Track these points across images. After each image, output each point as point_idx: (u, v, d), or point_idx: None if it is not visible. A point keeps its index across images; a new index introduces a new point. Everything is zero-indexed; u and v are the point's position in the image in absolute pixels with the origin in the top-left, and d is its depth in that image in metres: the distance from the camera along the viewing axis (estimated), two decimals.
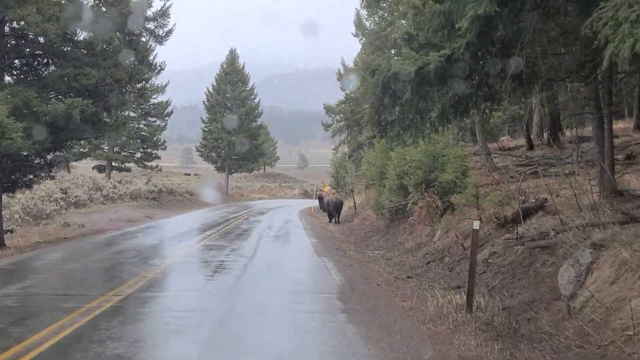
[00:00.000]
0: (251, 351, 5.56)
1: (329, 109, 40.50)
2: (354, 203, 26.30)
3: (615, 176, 9.14)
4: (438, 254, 11.49)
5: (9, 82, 14.86)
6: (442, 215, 13.27)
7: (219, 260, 11.91)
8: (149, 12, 15.73)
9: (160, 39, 16.08)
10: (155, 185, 34.56)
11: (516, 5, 6.29)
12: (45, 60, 15.58)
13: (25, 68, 15.94)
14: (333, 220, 24.04)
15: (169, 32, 16.10)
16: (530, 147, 18.64)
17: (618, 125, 19.18)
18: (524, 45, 6.53)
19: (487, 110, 8.46)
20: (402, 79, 7.17)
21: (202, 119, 51.24)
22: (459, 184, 13.00)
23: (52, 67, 15.32)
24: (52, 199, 24.60)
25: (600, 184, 8.80)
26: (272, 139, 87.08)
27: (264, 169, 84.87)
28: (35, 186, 20.19)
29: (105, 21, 14.44)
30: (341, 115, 39.46)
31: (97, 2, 14.88)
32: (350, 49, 53.05)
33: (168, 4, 15.52)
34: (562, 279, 6.69)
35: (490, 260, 9.23)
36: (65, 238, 16.63)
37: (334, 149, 44.67)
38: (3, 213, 15.88)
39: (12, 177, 15.58)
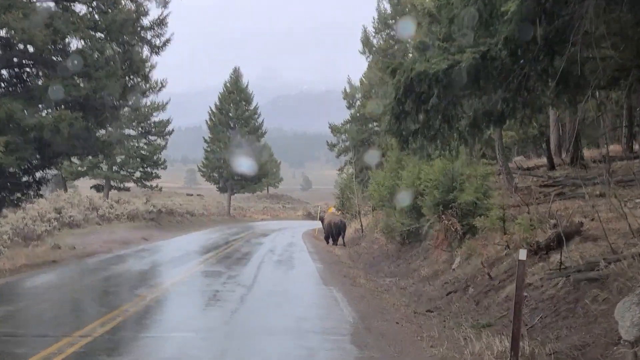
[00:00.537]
0: None
1: (334, 129, 40.58)
2: (361, 225, 25.17)
3: None
4: (460, 284, 10.31)
5: None
6: (462, 240, 12.08)
7: (214, 289, 10.71)
8: (145, 21, 14.82)
9: (157, 49, 15.19)
10: (154, 206, 33.41)
11: None
12: (34, 71, 14.74)
13: (15, 80, 15.11)
14: (331, 241, 23.44)
15: (167, 41, 15.17)
16: (552, 166, 17.53)
17: None
18: (579, 39, 5.42)
19: (525, 120, 7.33)
20: (427, 80, 6.07)
21: (204, 139, 50.34)
22: (480, 206, 11.87)
23: (41, 80, 14.47)
24: (45, 219, 23.44)
25: None
26: (275, 160, 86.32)
27: (267, 190, 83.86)
28: (29, 205, 19.16)
29: (98, 29, 13.60)
30: (346, 135, 39.09)
31: (90, 9, 14.02)
32: (356, 69, 52.52)
33: (166, 12, 14.97)
34: (624, 320, 5.62)
35: (524, 294, 8.03)
36: (53, 261, 15.45)
37: (339, 170, 43.93)
38: None
39: None
